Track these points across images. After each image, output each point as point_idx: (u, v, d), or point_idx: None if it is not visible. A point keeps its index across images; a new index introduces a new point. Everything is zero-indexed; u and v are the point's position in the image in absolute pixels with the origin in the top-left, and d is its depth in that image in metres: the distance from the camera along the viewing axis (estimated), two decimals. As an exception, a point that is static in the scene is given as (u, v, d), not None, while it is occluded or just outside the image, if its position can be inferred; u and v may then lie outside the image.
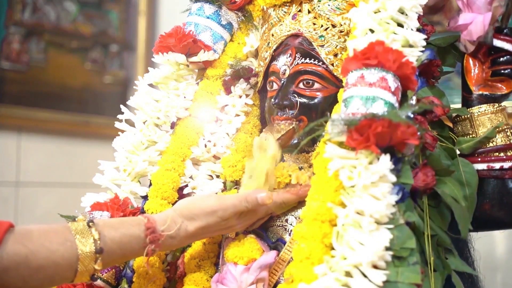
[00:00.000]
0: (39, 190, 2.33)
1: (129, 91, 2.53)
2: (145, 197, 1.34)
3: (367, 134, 1.03)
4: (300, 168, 1.26)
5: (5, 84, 2.24)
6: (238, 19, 1.44)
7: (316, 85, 1.24)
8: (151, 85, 1.41)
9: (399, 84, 1.09)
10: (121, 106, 1.40)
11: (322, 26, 1.25)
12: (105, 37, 2.51)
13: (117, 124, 1.39)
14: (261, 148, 1.23)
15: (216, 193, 1.32)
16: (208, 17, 1.40)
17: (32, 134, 2.31)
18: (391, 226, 1.03)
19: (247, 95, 1.39)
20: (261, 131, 1.36)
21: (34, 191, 2.32)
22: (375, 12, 1.15)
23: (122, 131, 1.39)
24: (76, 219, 1.12)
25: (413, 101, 1.12)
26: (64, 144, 2.38)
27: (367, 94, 1.07)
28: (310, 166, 1.25)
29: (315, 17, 1.25)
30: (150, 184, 1.34)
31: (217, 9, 1.41)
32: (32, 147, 2.32)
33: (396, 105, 1.08)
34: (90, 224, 1.08)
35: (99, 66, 2.49)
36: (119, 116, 1.40)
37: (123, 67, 2.55)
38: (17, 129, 2.28)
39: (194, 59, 1.38)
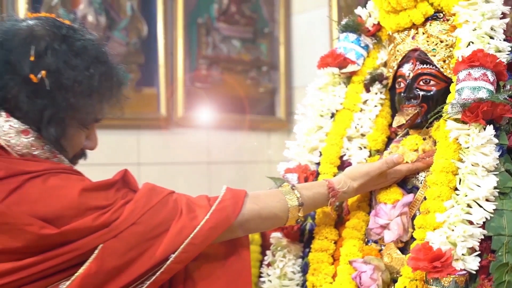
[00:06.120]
0: (223, 166, 2.44)
1: (276, 97, 2.59)
2: (318, 164, 1.40)
3: (477, 112, 1.10)
4: (424, 139, 1.29)
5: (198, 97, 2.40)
6: (372, 41, 1.46)
7: (432, 82, 1.27)
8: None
9: (495, 77, 1.15)
10: (298, 104, 1.47)
11: (433, 42, 1.27)
12: (258, 62, 2.56)
13: (296, 116, 1.47)
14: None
15: (366, 160, 1.37)
16: (352, 42, 1.44)
17: (217, 129, 2.44)
18: (496, 172, 1.09)
19: (381, 92, 1.42)
20: (392, 116, 1.39)
21: (220, 167, 2.43)
22: (473, 30, 1.20)
23: (299, 121, 1.46)
24: (282, 185, 1.22)
25: (507, 88, 1.18)
26: (235, 135, 2.48)
27: (474, 85, 1.13)
28: (430, 137, 1.29)
29: (428, 37, 1.28)
30: (320, 154, 1.41)
31: (358, 36, 1.44)
32: (216, 138, 2.44)
33: (494, 92, 1.13)
34: (293, 187, 1.19)
35: (255, 81, 2.55)
36: (296, 111, 1.48)
37: (270, 81, 2.59)
38: (206, 127, 2.42)
39: (344, 70, 1.43)
